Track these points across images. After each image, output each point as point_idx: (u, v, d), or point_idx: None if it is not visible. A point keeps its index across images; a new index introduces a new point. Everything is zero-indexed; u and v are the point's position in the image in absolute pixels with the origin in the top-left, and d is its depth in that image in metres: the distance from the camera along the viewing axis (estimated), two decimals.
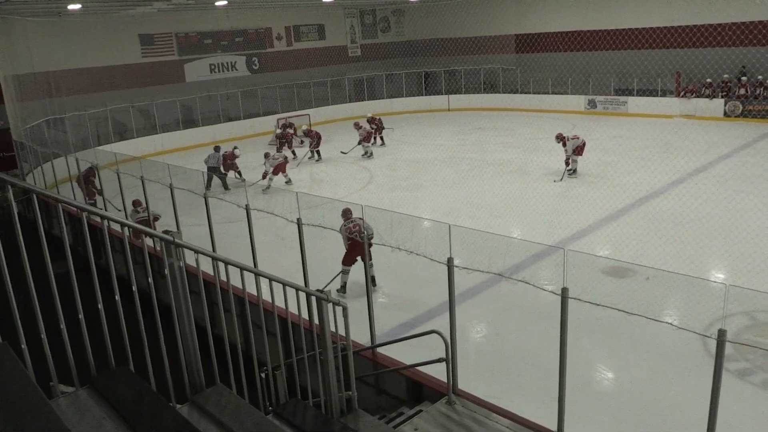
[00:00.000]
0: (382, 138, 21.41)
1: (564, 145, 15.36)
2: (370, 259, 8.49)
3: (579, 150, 15.30)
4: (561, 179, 15.13)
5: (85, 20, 21.77)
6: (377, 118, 21.59)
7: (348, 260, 9.17)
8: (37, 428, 2.50)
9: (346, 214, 9.13)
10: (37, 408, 2.62)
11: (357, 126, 19.68)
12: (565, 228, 11.20)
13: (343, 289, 9.13)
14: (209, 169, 16.03)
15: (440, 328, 5.91)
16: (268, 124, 24.60)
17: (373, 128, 20.87)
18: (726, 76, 22.64)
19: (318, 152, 19.63)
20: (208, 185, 14.57)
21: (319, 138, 19.59)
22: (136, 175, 11.72)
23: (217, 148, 16.91)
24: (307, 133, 20.05)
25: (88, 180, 14.55)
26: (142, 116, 23.63)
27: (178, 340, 3.72)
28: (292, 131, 21.10)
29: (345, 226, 9.05)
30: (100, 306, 3.34)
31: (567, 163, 15.34)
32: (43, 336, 3.10)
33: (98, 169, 14.21)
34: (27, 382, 2.79)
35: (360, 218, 8.76)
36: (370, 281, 8.57)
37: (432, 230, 9.34)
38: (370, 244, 8.30)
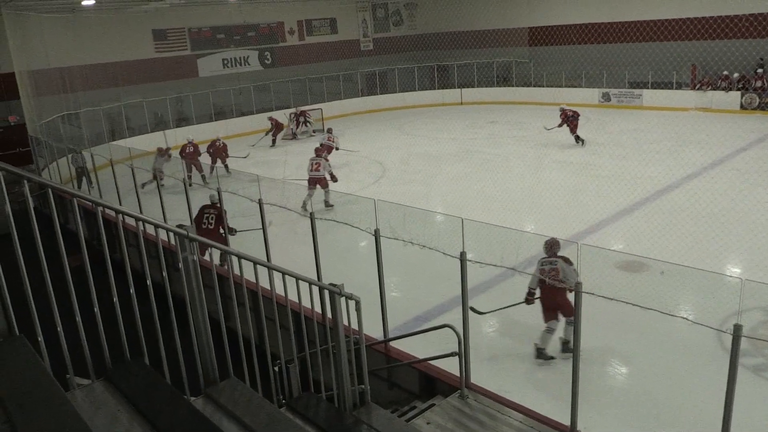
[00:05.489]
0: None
1: None
2: (572, 316, 6.12)
3: None
4: None
5: (98, 16, 21.89)
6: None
7: (547, 315, 6.94)
8: (54, 420, 2.53)
9: (552, 248, 7.03)
10: (54, 400, 2.65)
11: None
12: (578, 222, 11.13)
13: (541, 354, 6.97)
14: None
15: (453, 322, 5.91)
16: (282, 118, 24.64)
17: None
18: (736, 74, 22.31)
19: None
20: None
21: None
22: (150, 170, 11.83)
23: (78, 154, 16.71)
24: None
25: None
26: (157, 111, 23.78)
27: (192, 333, 3.74)
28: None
29: (541, 265, 6.98)
30: (115, 299, 3.37)
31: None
32: (59, 329, 3.14)
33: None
34: (43, 374, 2.82)
35: (565, 259, 6.87)
36: (565, 348, 6.98)
37: (445, 224, 9.33)
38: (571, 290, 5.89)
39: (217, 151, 17.59)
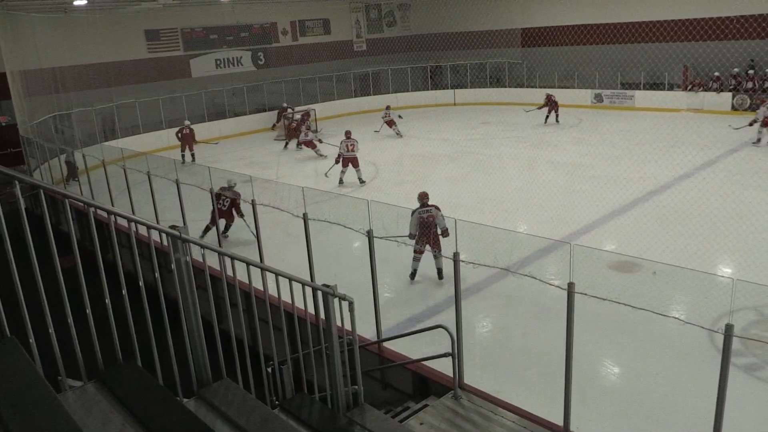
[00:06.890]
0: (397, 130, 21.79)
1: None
2: (440, 250, 8.83)
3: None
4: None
5: (91, 16, 21.79)
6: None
7: (418, 248, 9.06)
8: (46, 422, 2.52)
9: (423, 198, 8.97)
10: (45, 402, 2.64)
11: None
12: (571, 223, 11.17)
13: (413, 275, 9.16)
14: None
15: (446, 322, 5.92)
16: (273, 119, 24.63)
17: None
18: (736, 69, 22.46)
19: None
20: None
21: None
22: (143, 171, 11.78)
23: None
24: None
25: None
26: (148, 111, 23.68)
27: (185, 334, 3.73)
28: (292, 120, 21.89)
29: (419, 213, 8.82)
30: (108, 301, 3.36)
31: (751, 124, 16.64)
32: (51, 330, 3.12)
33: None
34: (35, 376, 2.81)
35: (435, 207, 8.83)
36: (440, 274, 9.07)
37: None
38: (443, 235, 8.72)
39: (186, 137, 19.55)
